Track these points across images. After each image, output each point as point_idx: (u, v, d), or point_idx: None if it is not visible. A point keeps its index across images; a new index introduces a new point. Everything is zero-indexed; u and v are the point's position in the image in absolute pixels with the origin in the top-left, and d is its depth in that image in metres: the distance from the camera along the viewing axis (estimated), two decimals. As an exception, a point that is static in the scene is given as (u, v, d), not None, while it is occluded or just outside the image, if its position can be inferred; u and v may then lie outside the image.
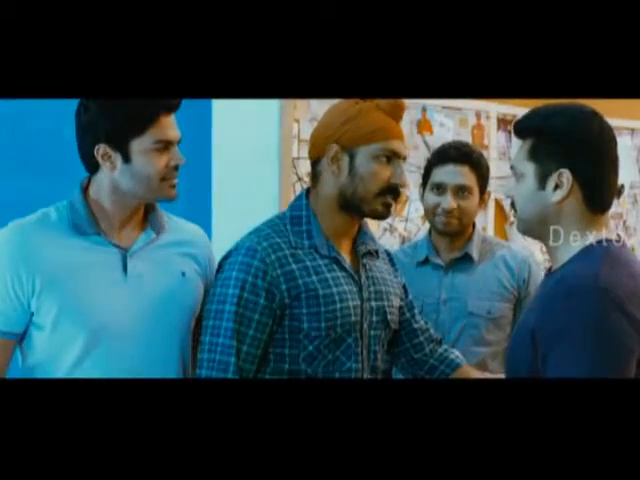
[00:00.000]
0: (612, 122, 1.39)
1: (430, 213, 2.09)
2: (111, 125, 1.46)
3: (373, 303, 1.62)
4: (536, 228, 1.39)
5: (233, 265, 1.52)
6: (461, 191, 2.04)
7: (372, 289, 1.63)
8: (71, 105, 1.51)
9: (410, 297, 1.80)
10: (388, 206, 1.59)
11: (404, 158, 1.60)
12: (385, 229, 2.83)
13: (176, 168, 1.54)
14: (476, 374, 1.78)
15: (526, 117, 1.40)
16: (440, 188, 2.05)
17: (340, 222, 1.60)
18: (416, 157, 2.79)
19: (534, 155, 1.35)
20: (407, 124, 2.78)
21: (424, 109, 2.90)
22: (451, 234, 2.09)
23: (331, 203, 1.59)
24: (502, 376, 1.68)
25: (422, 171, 2.16)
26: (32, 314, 1.48)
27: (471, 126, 3.04)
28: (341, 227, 1.61)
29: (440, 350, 1.78)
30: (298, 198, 1.64)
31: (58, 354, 1.49)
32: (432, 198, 2.07)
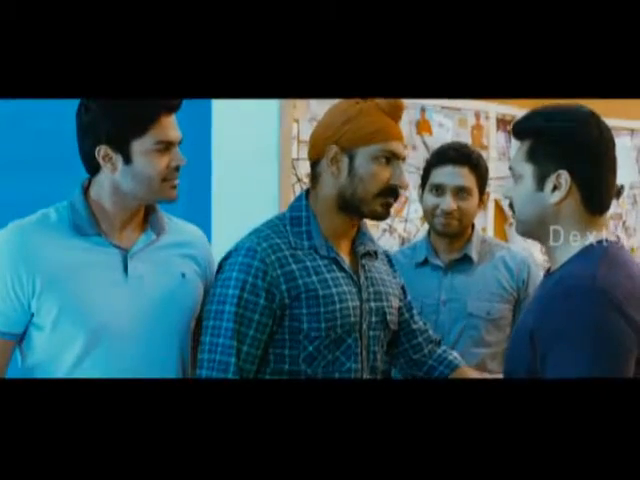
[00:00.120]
0: (611, 122, 1.40)
1: (429, 214, 2.09)
2: (112, 126, 1.46)
3: (372, 304, 1.62)
4: (535, 229, 1.39)
5: (233, 266, 1.52)
6: (460, 192, 2.04)
7: (371, 290, 1.63)
8: (71, 105, 1.51)
9: (409, 298, 1.80)
10: (387, 207, 1.59)
11: (403, 159, 1.60)
12: (384, 230, 2.83)
13: (177, 169, 1.54)
14: (475, 375, 1.78)
15: (524, 118, 1.40)
16: (439, 189, 2.05)
17: (339, 223, 1.60)
18: (415, 158, 2.79)
19: (532, 156, 1.36)
20: (406, 124, 2.78)
21: (423, 109, 2.90)
22: (450, 235, 2.09)
23: (330, 204, 1.59)
24: (501, 377, 1.68)
25: (421, 172, 2.16)
26: (32, 314, 1.48)
27: (470, 126, 3.04)
28: (340, 228, 1.61)
29: (439, 351, 1.78)
30: (298, 199, 1.65)
31: (58, 354, 1.49)
32: (431, 199, 2.07)
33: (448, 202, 2.03)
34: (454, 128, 2.98)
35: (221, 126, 2.45)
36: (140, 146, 1.48)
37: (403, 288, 1.79)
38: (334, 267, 1.57)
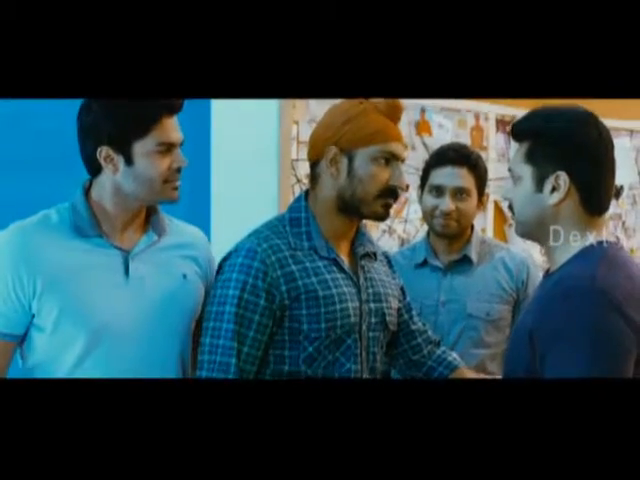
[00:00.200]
0: (610, 123, 1.40)
1: (428, 215, 2.09)
2: (113, 127, 1.46)
3: (372, 305, 1.62)
4: (534, 230, 1.39)
5: (233, 267, 1.52)
6: (459, 193, 2.04)
7: (370, 291, 1.63)
8: (73, 106, 1.51)
9: (408, 299, 1.80)
10: (387, 208, 1.59)
11: (403, 160, 1.60)
12: (384, 231, 2.83)
13: (178, 170, 1.54)
14: (474, 376, 1.78)
15: (523, 120, 1.40)
16: (438, 190, 2.05)
17: (339, 224, 1.60)
18: (415, 159, 2.79)
19: (531, 158, 1.36)
20: (405, 125, 2.78)
21: (423, 110, 2.90)
22: (450, 236, 2.09)
23: (330, 205, 1.59)
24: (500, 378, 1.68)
25: (420, 173, 2.16)
26: (33, 316, 1.48)
27: (470, 127, 3.04)
28: (340, 229, 1.61)
29: (438, 352, 1.78)
30: (297, 200, 1.65)
31: (58, 356, 1.49)
32: (430, 200, 2.07)
33: (447, 203, 2.03)
34: (453, 129, 2.99)
35: (220, 127, 2.46)
36: (142, 147, 1.48)
37: (402, 289, 1.79)
38: (334, 268, 1.57)
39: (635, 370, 1.24)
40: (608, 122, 1.39)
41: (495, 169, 3.00)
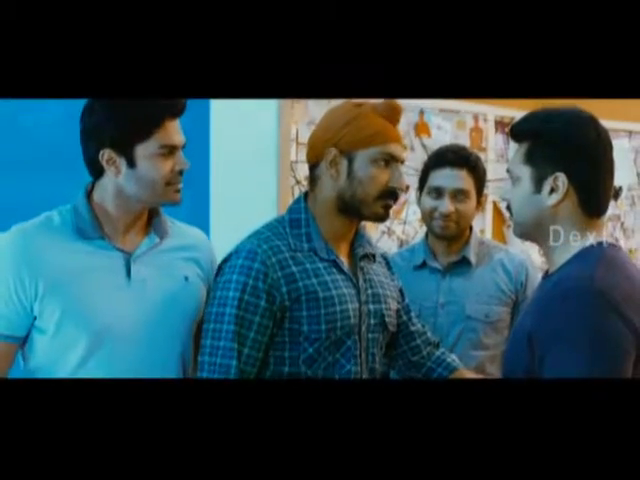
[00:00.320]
0: (609, 124, 1.40)
1: (427, 217, 2.09)
2: (116, 130, 1.47)
3: (371, 306, 1.62)
4: (532, 231, 1.39)
5: (233, 268, 1.52)
6: (459, 195, 2.04)
7: (370, 292, 1.63)
8: (75, 107, 1.51)
9: (407, 300, 1.80)
10: (387, 209, 1.60)
11: (402, 161, 1.60)
12: (383, 232, 2.83)
13: (181, 173, 1.54)
14: (473, 377, 1.78)
15: (523, 121, 1.41)
16: (438, 192, 2.05)
17: (339, 225, 1.61)
18: (414, 160, 2.80)
19: (530, 159, 1.36)
20: (404, 127, 2.78)
21: (421, 112, 2.91)
22: (449, 238, 2.09)
23: (330, 206, 1.59)
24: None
25: (419, 174, 2.16)
26: (35, 318, 1.48)
27: (469, 129, 3.04)
28: (340, 230, 1.61)
29: (437, 353, 1.79)
30: (296, 201, 1.65)
31: (60, 358, 1.49)
32: (429, 202, 2.07)
33: (446, 205, 2.03)
34: (452, 130, 2.99)
35: (220, 128, 2.46)
36: (144, 150, 1.49)
37: (401, 290, 1.79)
38: (333, 269, 1.58)
39: (634, 371, 1.24)
40: (607, 123, 1.40)
41: (494, 170, 3.00)
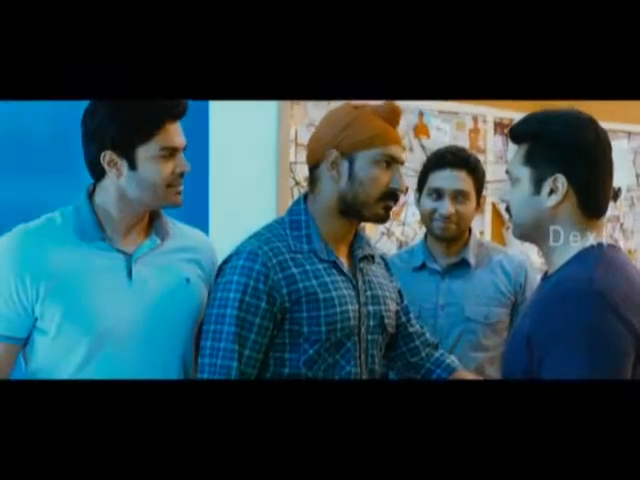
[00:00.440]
0: (608, 125, 1.40)
1: (427, 218, 2.09)
2: (117, 132, 1.47)
3: (370, 307, 1.62)
4: (532, 232, 1.40)
5: (234, 269, 1.52)
6: (458, 196, 2.04)
7: (369, 293, 1.63)
8: (77, 109, 1.52)
9: (405, 302, 1.80)
10: (388, 210, 1.60)
11: (402, 163, 1.61)
12: (382, 233, 2.83)
13: (182, 175, 1.54)
14: (472, 378, 1.78)
15: (522, 122, 1.41)
16: (438, 193, 2.05)
17: (339, 226, 1.61)
18: (413, 161, 2.80)
19: (530, 160, 1.36)
20: (404, 128, 2.78)
21: (421, 114, 2.91)
22: (449, 239, 2.09)
23: (330, 208, 1.59)
24: (499, 379, 1.68)
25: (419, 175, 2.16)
26: (36, 319, 1.48)
27: (468, 130, 3.04)
28: (340, 231, 1.62)
29: (436, 354, 1.79)
30: (296, 203, 1.65)
31: (61, 359, 1.49)
32: (429, 203, 2.07)
33: (446, 206, 2.03)
34: (452, 132, 2.99)
35: (219, 129, 2.46)
36: (145, 152, 1.49)
37: (400, 292, 1.79)
38: (333, 271, 1.58)
39: (633, 372, 1.24)
40: (606, 124, 1.40)
41: (493, 171, 3.00)
